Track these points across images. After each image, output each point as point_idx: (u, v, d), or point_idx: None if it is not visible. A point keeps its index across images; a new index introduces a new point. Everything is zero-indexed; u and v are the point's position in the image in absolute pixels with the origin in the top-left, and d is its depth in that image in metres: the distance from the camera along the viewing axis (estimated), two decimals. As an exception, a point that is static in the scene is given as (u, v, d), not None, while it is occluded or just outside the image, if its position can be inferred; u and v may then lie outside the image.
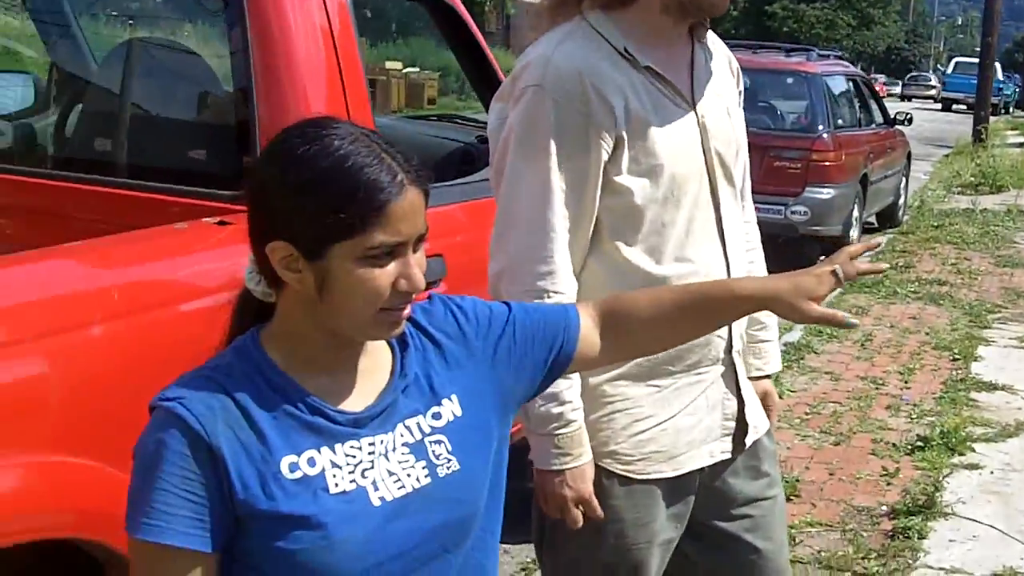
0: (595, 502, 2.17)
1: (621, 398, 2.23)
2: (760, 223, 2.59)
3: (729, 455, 2.35)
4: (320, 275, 1.44)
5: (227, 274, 2.24)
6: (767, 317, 2.55)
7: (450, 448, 1.56)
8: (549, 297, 2.11)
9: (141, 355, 2.03)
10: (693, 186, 2.23)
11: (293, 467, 1.45)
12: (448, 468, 1.54)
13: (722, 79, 2.37)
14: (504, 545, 1.69)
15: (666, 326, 1.80)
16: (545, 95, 2.13)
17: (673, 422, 2.26)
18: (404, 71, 26.58)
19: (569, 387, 2.12)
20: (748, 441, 2.38)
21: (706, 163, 2.26)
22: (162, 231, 2.35)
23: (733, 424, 2.35)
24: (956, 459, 5.26)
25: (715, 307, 1.82)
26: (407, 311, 1.50)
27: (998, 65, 35.37)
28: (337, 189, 1.41)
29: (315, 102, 2.53)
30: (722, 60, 2.40)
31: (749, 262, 2.45)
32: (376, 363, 1.56)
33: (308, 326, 1.50)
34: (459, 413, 1.59)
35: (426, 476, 1.53)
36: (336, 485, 1.46)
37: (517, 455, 1.69)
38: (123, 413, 1.97)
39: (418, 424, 1.55)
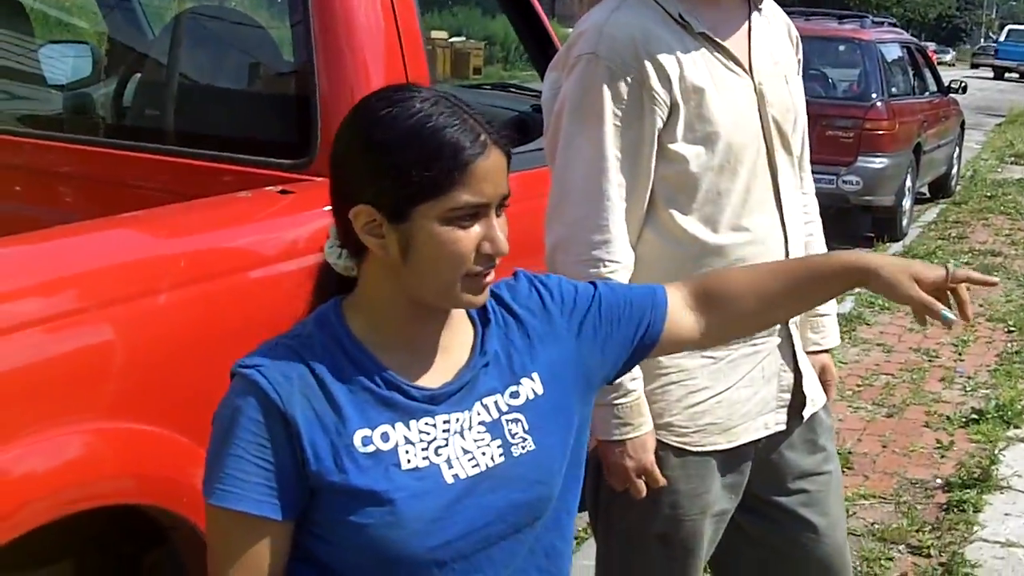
0: (657, 471, 2.16)
1: (677, 370, 2.22)
2: (811, 193, 2.56)
3: (784, 427, 2.34)
4: (404, 238, 1.43)
5: (291, 242, 2.25)
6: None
7: (527, 427, 1.54)
8: (605, 267, 2.10)
9: (207, 323, 2.04)
10: (750, 154, 2.21)
11: (366, 441, 1.45)
12: (523, 448, 1.53)
13: (780, 46, 2.35)
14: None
15: (765, 299, 1.74)
16: (599, 63, 2.11)
17: (729, 394, 2.24)
18: (450, 40, 26.48)
19: (628, 357, 2.11)
20: (805, 414, 2.36)
21: (763, 131, 2.24)
22: (226, 199, 2.36)
23: (789, 396, 2.33)
24: (1012, 432, 5.22)
25: (815, 277, 1.75)
26: (491, 277, 1.48)
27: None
28: (420, 148, 1.41)
29: (375, 69, 2.53)
30: (780, 27, 2.38)
31: (808, 234, 2.43)
32: (456, 339, 1.55)
33: (390, 296, 1.49)
34: (540, 391, 1.57)
35: (500, 455, 1.51)
36: (408, 461, 1.45)
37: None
38: (188, 381, 2.00)
39: (496, 403, 1.54)
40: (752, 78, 2.23)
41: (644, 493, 2.18)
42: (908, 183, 10.32)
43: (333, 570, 1.48)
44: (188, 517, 1.96)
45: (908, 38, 12.66)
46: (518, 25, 3.47)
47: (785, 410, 2.33)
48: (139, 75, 3.46)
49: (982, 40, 66.96)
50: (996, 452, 4.95)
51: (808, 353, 2.43)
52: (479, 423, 1.51)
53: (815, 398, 2.39)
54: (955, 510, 4.36)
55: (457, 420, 1.50)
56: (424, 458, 1.46)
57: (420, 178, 1.40)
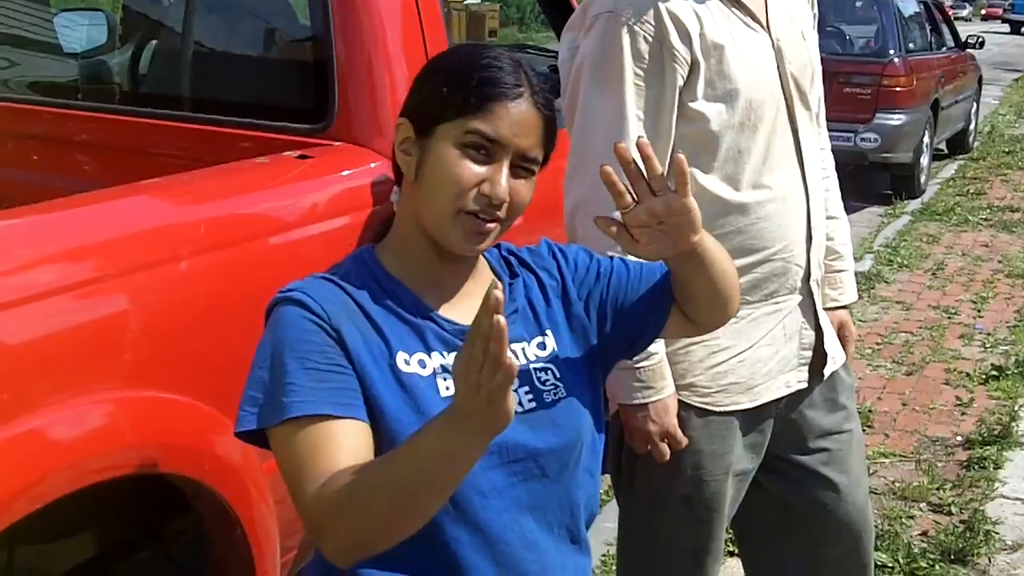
0: (680, 434, 2.16)
1: (698, 330, 2.20)
2: (828, 150, 2.54)
3: (805, 385, 2.33)
4: (423, 154, 1.51)
5: (309, 207, 2.25)
6: (842, 247, 2.52)
7: (558, 375, 1.58)
8: (624, 229, 2.08)
9: (226, 290, 2.04)
10: (770, 111, 2.19)
11: (406, 363, 1.49)
12: (555, 395, 1.57)
13: (796, 2, 2.33)
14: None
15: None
16: (618, 21, 2.09)
17: (750, 353, 2.24)
18: (465, 3, 26.31)
19: (649, 321, 2.10)
20: (826, 372, 2.35)
21: (782, 87, 2.22)
22: (244, 165, 2.35)
23: (810, 354, 2.33)
24: (1032, 388, 5.20)
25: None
26: (488, 227, 1.51)
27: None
28: (459, 73, 1.51)
29: (392, 33, 2.51)
30: (795, -18, 2.35)
31: (825, 189, 2.42)
32: (483, 288, 1.55)
33: (412, 228, 1.55)
34: (559, 347, 1.62)
35: (530, 400, 1.54)
36: (447, 389, 1.48)
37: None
38: (209, 348, 2.00)
39: (523, 350, 1.57)
40: (770, 34, 2.21)
41: (667, 456, 2.17)
42: (926, 139, 10.26)
43: None
44: (210, 485, 1.96)
45: (924, -7, 12.54)
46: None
47: (806, 368, 2.33)
48: (155, 42, 3.44)
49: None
50: (1016, 408, 4.95)
51: (826, 310, 2.41)
52: None
53: (835, 356, 2.38)
54: (975, 467, 4.36)
55: None
56: None
57: (447, 97, 1.49)
